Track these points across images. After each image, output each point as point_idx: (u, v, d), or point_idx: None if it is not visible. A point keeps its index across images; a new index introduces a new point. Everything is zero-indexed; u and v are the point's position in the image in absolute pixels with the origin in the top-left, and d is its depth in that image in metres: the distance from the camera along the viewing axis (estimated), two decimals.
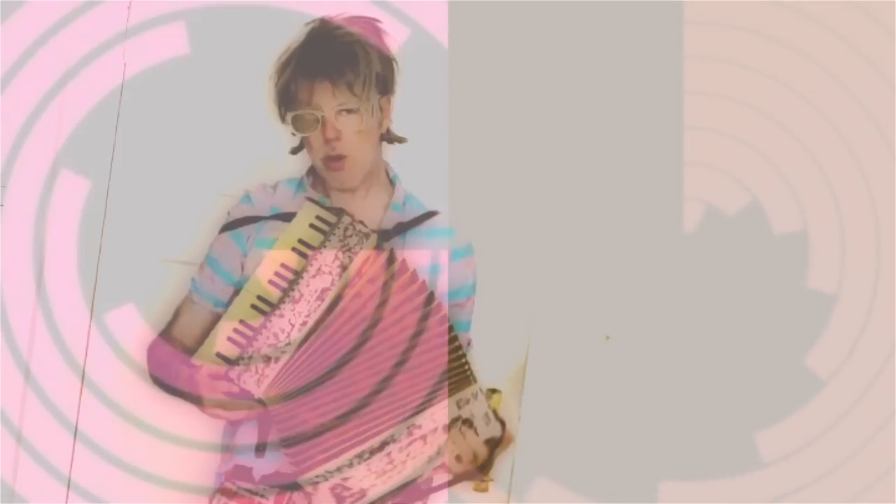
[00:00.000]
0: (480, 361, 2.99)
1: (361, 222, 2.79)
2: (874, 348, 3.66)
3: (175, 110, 3.47)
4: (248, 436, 2.89)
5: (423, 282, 2.77)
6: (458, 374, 2.75)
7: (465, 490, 3.48)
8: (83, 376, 3.45)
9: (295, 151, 3.01)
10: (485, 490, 3.48)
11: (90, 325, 3.45)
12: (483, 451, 2.78)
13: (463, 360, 2.74)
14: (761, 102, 3.64)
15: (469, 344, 3.03)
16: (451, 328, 2.74)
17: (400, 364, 2.74)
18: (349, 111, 2.83)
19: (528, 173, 3.62)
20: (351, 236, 2.76)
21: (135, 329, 3.41)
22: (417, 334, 2.75)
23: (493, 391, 3.13)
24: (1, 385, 3.42)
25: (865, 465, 3.65)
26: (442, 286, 2.93)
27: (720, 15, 3.62)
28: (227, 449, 2.95)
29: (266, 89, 2.94)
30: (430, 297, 2.76)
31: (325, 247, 2.75)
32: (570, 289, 3.63)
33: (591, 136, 3.63)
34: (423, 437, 2.74)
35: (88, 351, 3.45)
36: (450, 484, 2.83)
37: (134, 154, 3.47)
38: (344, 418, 2.74)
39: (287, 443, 2.74)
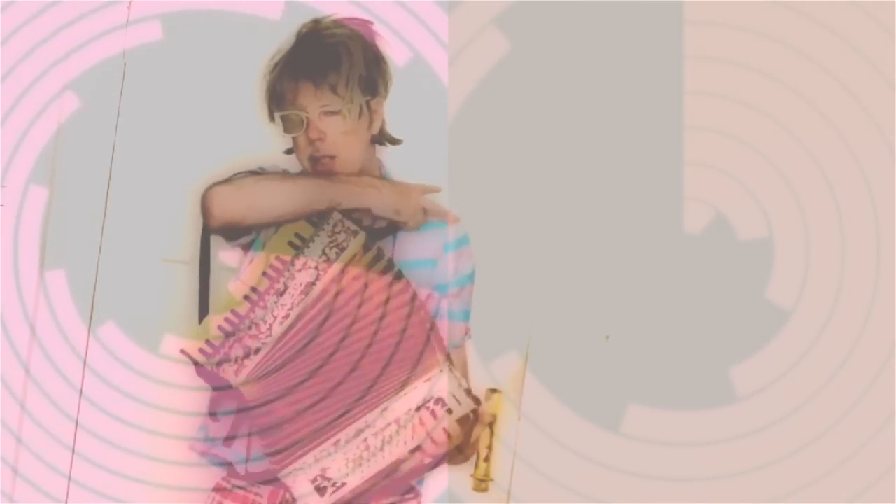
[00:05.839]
0: (480, 361, 3.00)
1: (353, 219, 2.81)
2: (874, 349, 3.65)
3: (175, 110, 3.47)
4: (220, 430, 2.91)
5: (408, 282, 2.78)
6: (426, 353, 2.76)
7: (465, 490, 3.48)
8: (83, 376, 3.45)
9: (290, 152, 3.02)
10: (485, 490, 3.48)
11: (90, 325, 3.45)
12: (457, 431, 2.78)
13: (430, 340, 2.76)
14: (761, 102, 3.64)
15: (468, 333, 3.03)
16: (432, 322, 2.76)
17: (382, 362, 2.76)
18: (333, 112, 2.85)
19: (528, 173, 3.62)
20: (339, 232, 2.78)
21: (135, 329, 3.42)
22: (400, 332, 2.77)
23: (493, 391, 3.14)
24: (0, 385, 3.43)
25: (865, 465, 3.65)
26: (434, 279, 2.94)
27: (720, 15, 3.62)
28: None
29: (258, 89, 2.95)
30: (414, 297, 2.77)
31: (313, 241, 2.77)
32: (570, 289, 3.63)
33: (591, 136, 3.63)
34: (398, 421, 2.76)
35: (88, 350, 3.46)
36: (430, 467, 2.83)
37: (134, 154, 3.47)
38: (323, 414, 2.75)
39: (266, 441, 2.75)
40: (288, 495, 2.88)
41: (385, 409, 2.76)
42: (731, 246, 3.66)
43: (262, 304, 2.77)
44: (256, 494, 2.92)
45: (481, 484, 3.47)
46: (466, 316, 3.05)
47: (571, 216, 3.63)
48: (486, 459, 3.48)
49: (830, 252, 3.65)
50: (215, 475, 3.01)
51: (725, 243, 3.66)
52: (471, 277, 3.05)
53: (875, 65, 3.61)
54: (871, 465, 3.64)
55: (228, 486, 2.95)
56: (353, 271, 2.77)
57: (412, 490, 2.95)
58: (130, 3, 3.45)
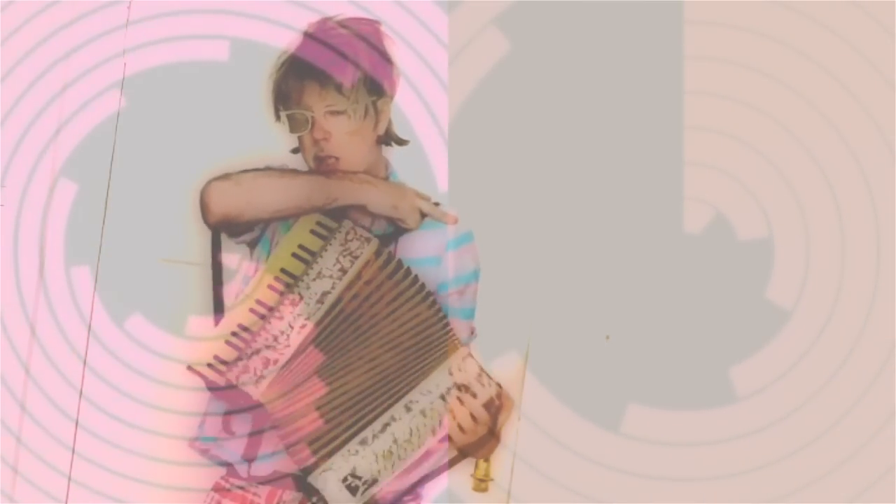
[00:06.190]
0: (480, 361, 2.99)
1: (363, 227, 2.82)
2: (873, 349, 3.66)
3: (175, 110, 3.47)
4: (217, 428, 2.90)
5: (416, 276, 2.78)
6: (444, 341, 2.76)
7: (465, 490, 3.49)
8: (83, 376, 3.46)
9: (296, 151, 3.02)
10: (485, 490, 3.48)
11: (90, 325, 3.45)
12: (483, 416, 2.78)
13: (447, 328, 2.76)
14: (761, 102, 3.64)
15: (473, 332, 3.03)
16: (429, 294, 2.76)
17: (395, 355, 2.76)
18: (338, 112, 2.85)
19: (529, 173, 3.63)
20: (352, 241, 2.79)
21: (134, 328, 3.42)
22: (414, 327, 2.77)
23: None
24: (0, 385, 3.43)
25: (865, 465, 3.66)
26: (437, 277, 2.94)
27: (720, 15, 3.62)
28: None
29: (264, 88, 2.95)
30: (427, 296, 2.77)
31: (326, 251, 2.78)
32: (570, 289, 3.63)
33: (591, 136, 3.63)
34: (422, 411, 2.76)
35: (88, 350, 3.46)
36: (458, 458, 2.83)
37: (134, 154, 3.47)
38: (340, 409, 2.75)
39: (282, 433, 2.75)
40: (286, 495, 2.88)
41: (409, 402, 2.76)
42: (731, 246, 3.67)
43: (277, 315, 2.76)
44: (255, 494, 2.91)
45: (481, 484, 3.47)
46: (471, 314, 3.04)
47: (571, 216, 3.63)
48: (486, 459, 3.48)
49: (830, 252, 3.66)
50: (215, 475, 3.01)
51: (725, 243, 3.67)
52: (475, 275, 3.03)
53: (875, 65, 3.62)
54: (870, 466, 3.65)
55: (227, 486, 2.95)
56: (366, 277, 2.78)
57: (412, 491, 2.95)
58: (130, 2, 3.45)
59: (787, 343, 3.66)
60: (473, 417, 2.77)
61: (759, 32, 3.63)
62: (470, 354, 2.78)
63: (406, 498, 2.91)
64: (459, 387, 2.76)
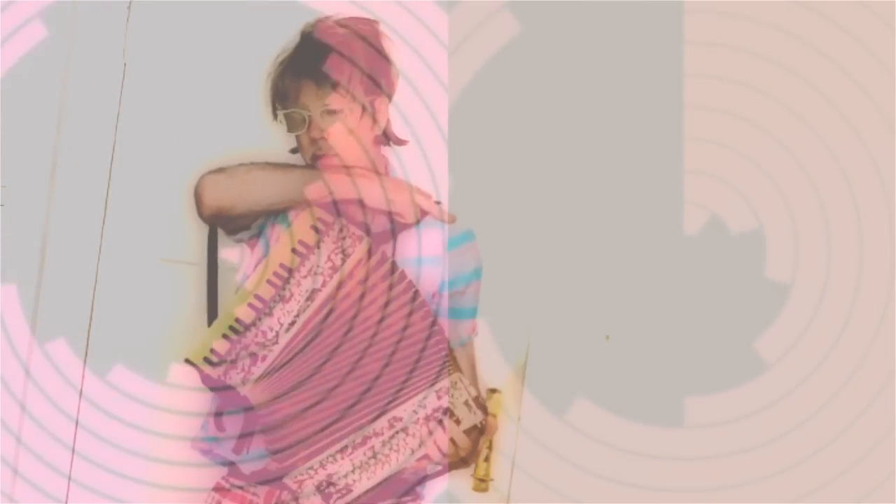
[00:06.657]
0: (480, 361, 3.00)
1: (359, 223, 2.82)
2: (880, 354, 3.66)
3: (176, 109, 3.48)
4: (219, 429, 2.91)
5: (410, 281, 2.79)
6: (436, 363, 2.77)
7: (465, 490, 3.48)
8: (83, 375, 3.46)
9: (296, 151, 3.03)
10: (485, 490, 3.48)
11: (90, 325, 3.45)
12: (465, 442, 2.79)
13: (443, 351, 2.76)
14: (757, 117, 3.65)
15: (475, 331, 3.03)
16: (424, 304, 2.76)
17: (384, 361, 2.76)
18: (334, 111, 2.86)
19: (530, 174, 3.63)
20: (345, 238, 2.79)
21: (134, 329, 3.42)
22: (402, 330, 2.77)
23: (493, 391, 3.14)
24: (0, 385, 3.43)
25: (866, 470, 3.65)
26: (430, 278, 2.94)
27: (719, 35, 3.64)
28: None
29: (263, 87, 2.96)
30: (415, 295, 2.78)
31: (319, 248, 2.78)
32: (570, 289, 3.63)
33: (591, 139, 3.64)
34: (405, 429, 2.76)
35: (88, 350, 3.46)
36: (435, 476, 2.84)
37: (133, 154, 3.48)
38: (326, 414, 2.75)
39: (269, 438, 2.75)
40: (284, 495, 2.88)
41: (393, 418, 2.76)
42: (729, 246, 3.67)
43: (266, 311, 2.77)
44: (254, 494, 2.92)
45: (481, 484, 3.46)
46: (473, 313, 3.04)
47: (572, 219, 3.64)
48: (486, 459, 3.47)
49: (830, 253, 3.66)
50: (215, 475, 3.01)
51: (724, 245, 3.67)
52: (477, 273, 3.04)
53: (877, 63, 3.63)
54: (871, 467, 3.64)
55: (227, 486, 2.95)
56: (357, 275, 2.78)
57: (412, 492, 2.95)
58: (130, 3, 3.47)
59: (787, 343, 3.66)
60: (454, 442, 2.79)
61: (756, 53, 3.64)
62: (460, 379, 2.79)
63: (406, 498, 2.92)
64: (445, 411, 2.76)
